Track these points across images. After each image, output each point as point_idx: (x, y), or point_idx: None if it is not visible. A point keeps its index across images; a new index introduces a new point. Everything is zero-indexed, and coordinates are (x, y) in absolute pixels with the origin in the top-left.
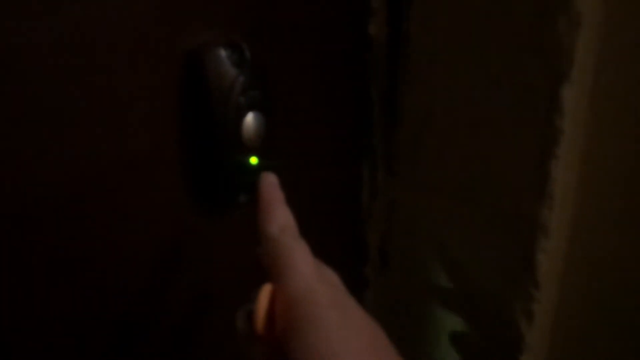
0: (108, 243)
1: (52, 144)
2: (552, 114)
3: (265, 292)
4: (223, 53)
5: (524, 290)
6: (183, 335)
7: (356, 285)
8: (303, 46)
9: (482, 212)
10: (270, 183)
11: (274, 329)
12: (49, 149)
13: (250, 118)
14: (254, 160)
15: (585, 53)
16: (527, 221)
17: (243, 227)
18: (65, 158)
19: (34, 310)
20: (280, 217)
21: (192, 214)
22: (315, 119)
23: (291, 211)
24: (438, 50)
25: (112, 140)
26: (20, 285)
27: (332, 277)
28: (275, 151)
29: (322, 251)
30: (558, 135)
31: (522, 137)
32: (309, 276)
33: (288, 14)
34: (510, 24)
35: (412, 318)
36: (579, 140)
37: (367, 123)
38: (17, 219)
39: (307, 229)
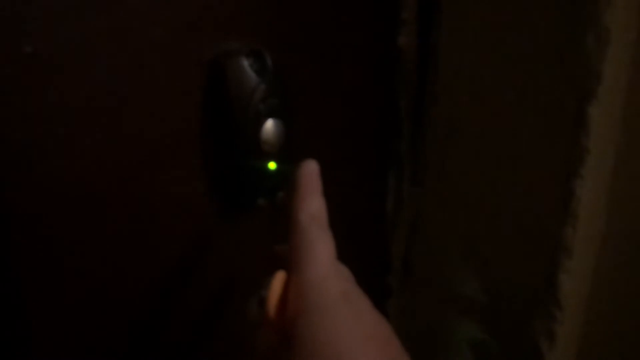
0: (133, 242)
1: (80, 144)
2: (577, 132)
3: (278, 279)
4: (245, 62)
5: (546, 310)
6: (201, 332)
7: (379, 294)
8: (332, 56)
9: (505, 228)
10: (311, 171)
11: (285, 315)
12: (78, 149)
13: (269, 124)
14: (272, 165)
15: (614, 71)
16: (550, 240)
17: (261, 229)
18: (92, 159)
19: (60, 303)
20: (312, 206)
21: (212, 216)
22: (342, 128)
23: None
24: (465, 64)
25: (137, 142)
26: (45, 281)
27: (346, 273)
28: (297, 157)
29: (346, 259)
30: (584, 154)
31: (547, 155)
32: (327, 267)
33: (318, 24)
34: (537, 39)
35: (433, 328)
36: (607, 160)
37: (394, 133)
38: (41, 215)
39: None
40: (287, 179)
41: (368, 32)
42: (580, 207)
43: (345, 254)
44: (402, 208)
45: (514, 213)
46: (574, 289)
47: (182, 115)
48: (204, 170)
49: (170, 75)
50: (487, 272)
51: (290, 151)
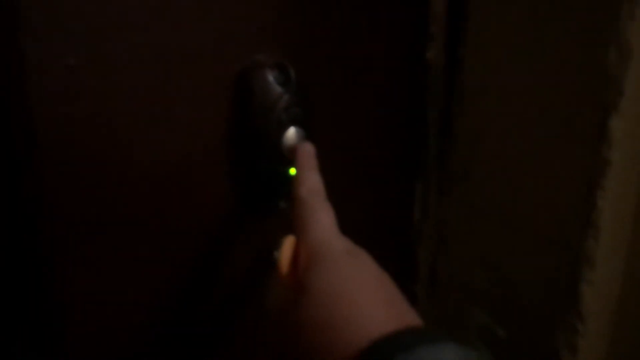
0: (164, 239)
1: (117, 149)
2: (599, 144)
3: (289, 241)
4: (270, 73)
5: (568, 322)
6: (223, 329)
7: None
8: (362, 68)
9: (529, 238)
10: (306, 152)
11: (296, 272)
12: (115, 153)
13: (291, 132)
14: (293, 171)
15: (636, 83)
16: (572, 251)
17: (283, 231)
18: (128, 162)
19: (97, 300)
20: (310, 182)
21: (236, 218)
22: (370, 139)
23: (341, 224)
24: (491, 77)
25: (171, 147)
26: (83, 278)
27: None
28: (325, 167)
29: None
30: (605, 166)
31: (569, 166)
32: (327, 229)
33: (347, 37)
34: (560, 52)
35: (458, 336)
36: (629, 171)
37: (421, 144)
38: (80, 215)
39: (358, 245)
40: None
41: (397, 45)
42: (601, 218)
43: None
44: (428, 217)
45: (537, 224)
46: (596, 301)
47: (211, 123)
48: (230, 174)
49: (201, 85)
50: (510, 283)
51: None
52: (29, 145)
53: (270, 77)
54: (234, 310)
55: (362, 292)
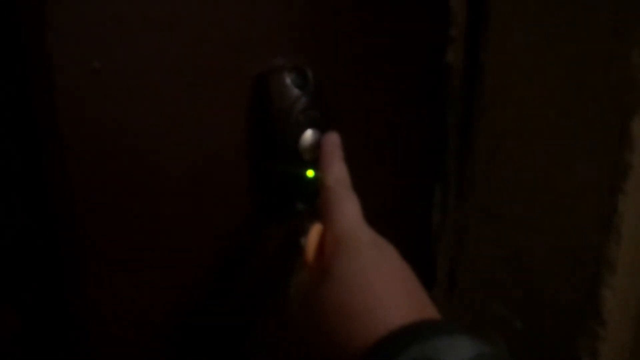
0: (185, 238)
1: (139, 150)
2: (621, 147)
3: (315, 229)
4: (287, 76)
5: (589, 327)
6: (241, 328)
7: None
8: (381, 71)
9: (549, 243)
10: (332, 142)
11: (322, 260)
12: (137, 153)
13: (308, 134)
14: (310, 173)
15: None
16: (593, 255)
17: (300, 232)
18: (148, 162)
19: (124, 299)
20: (336, 171)
21: (255, 219)
22: (389, 142)
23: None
24: (511, 81)
25: (189, 150)
26: (109, 279)
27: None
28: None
29: None
30: (627, 169)
31: (591, 170)
32: (354, 219)
33: (366, 40)
34: (582, 56)
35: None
36: None
37: (440, 148)
38: (108, 213)
39: None
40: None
41: (417, 48)
42: (623, 223)
43: None
44: (447, 222)
45: (558, 228)
46: (618, 306)
47: (230, 125)
48: (249, 176)
49: (220, 89)
50: (530, 288)
51: None
52: (56, 147)
53: (288, 80)
54: (257, 305)
55: (383, 283)
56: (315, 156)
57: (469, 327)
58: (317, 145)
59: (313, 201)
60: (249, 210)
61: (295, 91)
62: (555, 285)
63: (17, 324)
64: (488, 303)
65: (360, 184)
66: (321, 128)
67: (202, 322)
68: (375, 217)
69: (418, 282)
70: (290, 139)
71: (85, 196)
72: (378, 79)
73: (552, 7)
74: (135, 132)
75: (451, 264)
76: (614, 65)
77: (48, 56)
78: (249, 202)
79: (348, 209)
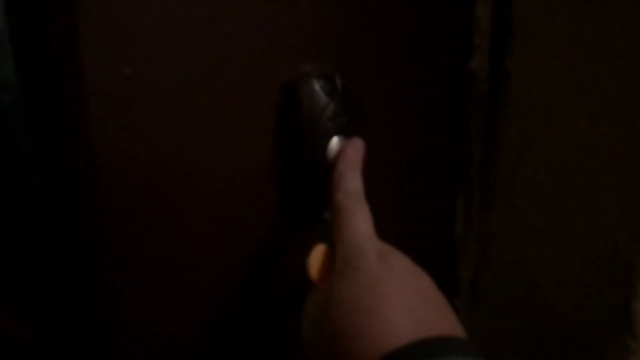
0: (214, 245)
1: (169, 154)
2: None
3: (318, 249)
4: (316, 83)
5: (620, 340)
6: (266, 340)
7: None
8: (405, 78)
9: (577, 252)
10: (354, 149)
11: (327, 279)
12: (167, 158)
13: (335, 141)
14: None
15: None
16: (624, 266)
17: (326, 239)
18: (177, 167)
19: (142, 306)
20: (347, 184)
21: (282, 227)
22: (412, 150)
23: (381, 238)
24: (537, 89)
25: (218, 158)
26: (130, 285)
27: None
28: (366, 178)
29: None
30: None
31: (621, 180)
32: (362, 235)
33: (391, 48)
34: (611, 65)
35: (500, 352)
36: None
37: (464, 156)
38: (135, 217)
39: None
40: None
41: (441, 56)
42: None
43: None
44: (471, 231)
45: (586, 238)
46: None
47: (258, 132)
48: (278, 185)
49: (249, 96)
50: (557, 300)
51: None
52: (85, 153)
53: (317, 86)
54: (281, 319)
55: (382, 301)
56: None
57: (490, 340)
58: None
59: None
60: (277, 220)
61: (324, 98)
62: (584, 299)
63: (28, 334)
64: (511, 315)
65: (382, 194)
66: (348, 135)
67: (229, 334)
68: (397, 227)
69: (436, 292)
70: (318, 146)
71: (113, 204)
72: (401, 87)
73: (582, 14)
74: (165, 137)
75: (474, 274)
76: None
77: (79, 61)
78: (278, 212)
79: (355, 224)
